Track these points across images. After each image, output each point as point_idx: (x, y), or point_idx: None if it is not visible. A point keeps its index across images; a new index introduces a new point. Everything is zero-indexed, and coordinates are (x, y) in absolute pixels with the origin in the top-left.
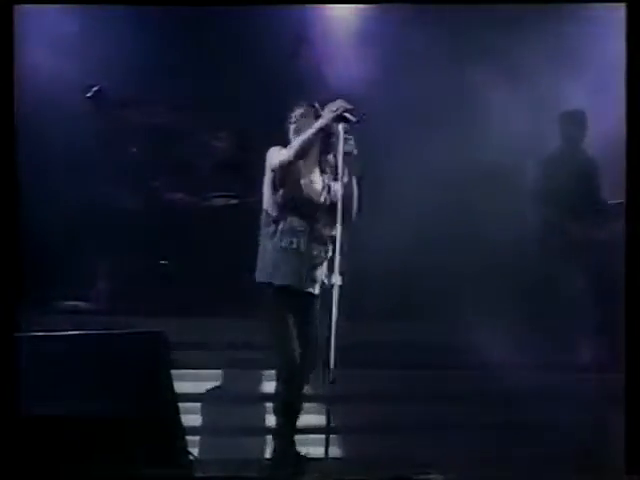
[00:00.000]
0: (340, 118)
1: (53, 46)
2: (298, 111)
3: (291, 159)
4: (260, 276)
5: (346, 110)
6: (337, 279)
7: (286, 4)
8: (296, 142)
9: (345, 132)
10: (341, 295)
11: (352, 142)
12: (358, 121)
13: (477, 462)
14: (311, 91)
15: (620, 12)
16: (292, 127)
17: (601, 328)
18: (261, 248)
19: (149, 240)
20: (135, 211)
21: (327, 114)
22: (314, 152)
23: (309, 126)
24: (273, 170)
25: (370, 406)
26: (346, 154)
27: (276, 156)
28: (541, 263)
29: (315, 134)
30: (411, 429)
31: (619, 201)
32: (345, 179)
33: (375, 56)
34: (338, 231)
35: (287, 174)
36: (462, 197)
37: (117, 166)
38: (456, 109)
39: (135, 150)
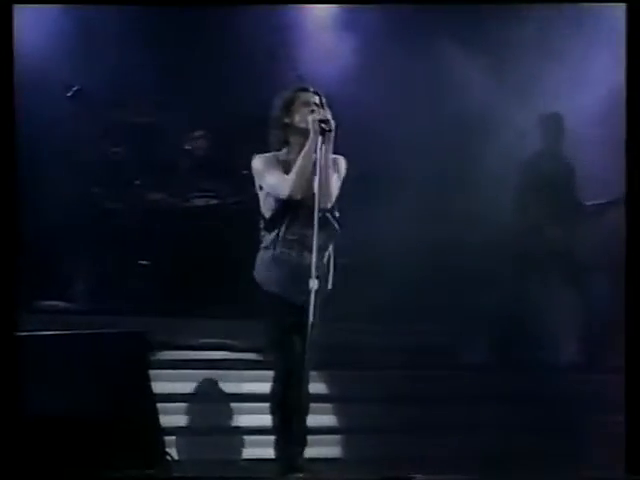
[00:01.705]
0: (321, 131)
1: (36, 45)
2: (295, 100)
3: (294, 193)
4: (256, 275)
5: (323, 121)
6: (313, 284)
7: (268, 4)
8: (293, 174)
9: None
10: (317, 301)
11: (327, 114)
12: (330, 130)
13: (475, 462)
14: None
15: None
16: (286, 121)
17: (588, 328)
18: (261, 247)
19: (130, 240)
20: (116, 210)
21: (312, 135)
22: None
23: (302, 117)
24: (262, 186)
25: (362, 407)
26: (323, 131)
27: (277, 187)
28: (522, 266)
29: (307, 158)
30: (403, 430)
31: (598, 202)
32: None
33: (355, 56)
34: (315, 230)
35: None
36: (445, 200)
37: (99, 166)
38: (438, 109)
39: (117, 150)
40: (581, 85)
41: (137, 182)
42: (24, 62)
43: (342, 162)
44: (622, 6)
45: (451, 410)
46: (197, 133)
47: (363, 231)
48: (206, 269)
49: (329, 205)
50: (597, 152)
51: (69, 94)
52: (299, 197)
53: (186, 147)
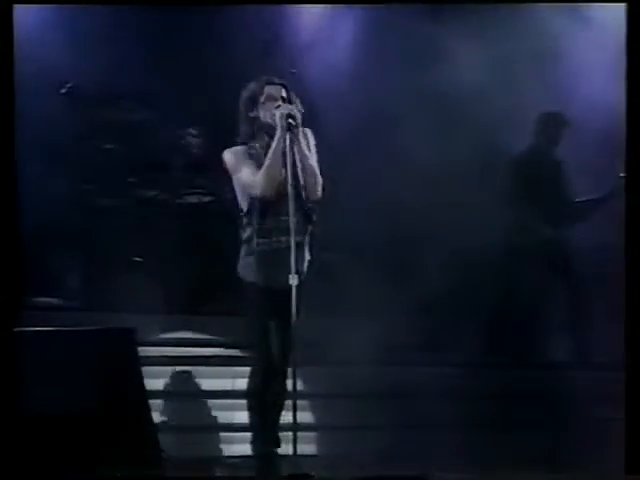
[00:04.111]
0: (288, 126)
1: (35, 45)
2: (261, 94)
3: (265, 192)
4: (239, 269)
5: (290, 116)
6: (294, 279)
7: (259, 3)
8: (262, 173)
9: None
10: (299, 296)
11: (293, 107)
12: (297, 125)
13: (471, 461)
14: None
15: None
16: (251, 115)
17: (587, 325)
18: (241, 241)
19: (122, 237)
20: (108, 207)
21: (279, 131)
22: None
23: (268, 112)
24: (235, 176)
25: (347, 404)
26: (290, 127)
27: (248, 186)
28: (512, 263)
29: (276, 155)
30: (388, 427)
31: (596, 199)
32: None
33: (346, 54)
34: (292, 222)
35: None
36: (435, 195)
37: (91, 163)
38: (431, 107)
39: (109, 147)
40: (580, 84)
41: (131, 179)
42: (24, 62)
43: (310, 136)
44: (622, 6)
45: (447, 409)
46: (190, 130)
47: (345, 223)
48: (198, 266)
49: (318, 196)
50: (596, 151)
51: (63, 91)
52: (270, 194)
53: (179, 144)
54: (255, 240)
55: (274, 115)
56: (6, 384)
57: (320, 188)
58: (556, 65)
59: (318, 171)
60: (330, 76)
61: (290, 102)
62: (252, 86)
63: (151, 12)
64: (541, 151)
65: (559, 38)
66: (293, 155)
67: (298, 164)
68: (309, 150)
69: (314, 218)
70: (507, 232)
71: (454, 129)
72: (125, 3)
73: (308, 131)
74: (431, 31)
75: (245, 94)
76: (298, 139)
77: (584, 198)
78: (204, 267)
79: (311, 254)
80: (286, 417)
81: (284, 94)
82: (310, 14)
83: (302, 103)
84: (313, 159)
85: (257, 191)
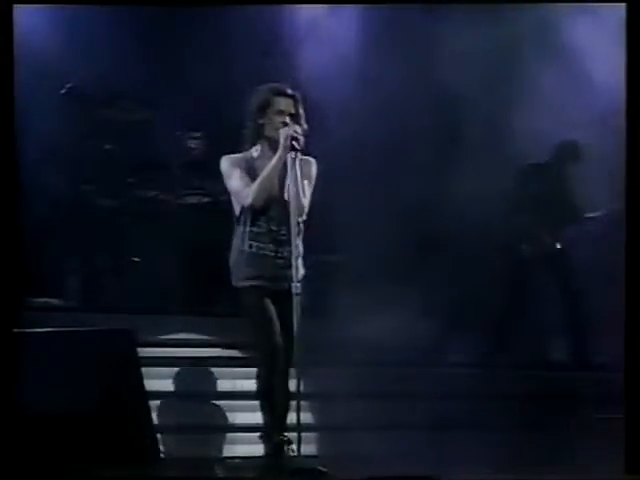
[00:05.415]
0: (291, 147)
1: (36, 45)
2: (270, 105)
3: (256, 202)
4: (231, 276)
5: (294, 138)
6: (296, 287)
7: (260, 4)
8: (257, 185)
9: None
10: (300, 304)
11: (298, 129)
12: (300, 149)
13: (471, 461)
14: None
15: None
16: (259, 121)
17: (587, 326)
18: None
19: (122, 237)
20: (108, 207)
21: (281, 150)
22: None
23: (275, 126)
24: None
25: (345, 404)
26: (293, 148)
27: (239, 194)
28: (513, 265)
29: (273, 171)
30: (391, 428)
31: (596, 199)
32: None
33: (347, 55)
34: (293, 233)
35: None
36: (436, 197)
37: (91, 163)
38: (432, 106)
39: (108, 147)
40: (580, 84)
41: (131, 179)
42: (24, 62)
43: (313, 165)
44: (622, 6)
45: (450, 409)
46: (190, 130)
47: (346, 224)
48: (198, 266)
49: (303, 217)
50: (596, 151)
51: (63, 91)
52: (259, 205)
53: (178, 144)
54: (246, 242)
55: (279, 133)
56: (6, 384)
57: (305, 211)
58: (556, 65)
59: (306, 201)
60: (330, 75)
61: (298, 118)
62: (262, 94)
63: (151, 12)
64: (545, 152)
65: (558, 38)
66: (292, 175)
67: (291, 185)
68: (306, 178)
69: (302, 230)
70: (509, 236)
71: (455, 129)
72: (125, 3)
73: (312, 161)
74: (433, 30)
75: (255, 101)
76: (297, 162)
77: (592, 200)
78: (204, 267)
79: (304, 265)
80: (290, 418)
81: (293, 109)
82: (310, 14)
83: (304, 103)
84: (307, 187)
85: (247, 201)
